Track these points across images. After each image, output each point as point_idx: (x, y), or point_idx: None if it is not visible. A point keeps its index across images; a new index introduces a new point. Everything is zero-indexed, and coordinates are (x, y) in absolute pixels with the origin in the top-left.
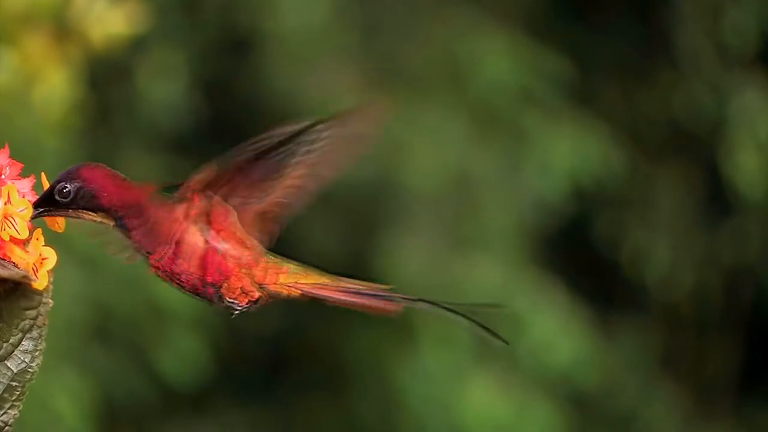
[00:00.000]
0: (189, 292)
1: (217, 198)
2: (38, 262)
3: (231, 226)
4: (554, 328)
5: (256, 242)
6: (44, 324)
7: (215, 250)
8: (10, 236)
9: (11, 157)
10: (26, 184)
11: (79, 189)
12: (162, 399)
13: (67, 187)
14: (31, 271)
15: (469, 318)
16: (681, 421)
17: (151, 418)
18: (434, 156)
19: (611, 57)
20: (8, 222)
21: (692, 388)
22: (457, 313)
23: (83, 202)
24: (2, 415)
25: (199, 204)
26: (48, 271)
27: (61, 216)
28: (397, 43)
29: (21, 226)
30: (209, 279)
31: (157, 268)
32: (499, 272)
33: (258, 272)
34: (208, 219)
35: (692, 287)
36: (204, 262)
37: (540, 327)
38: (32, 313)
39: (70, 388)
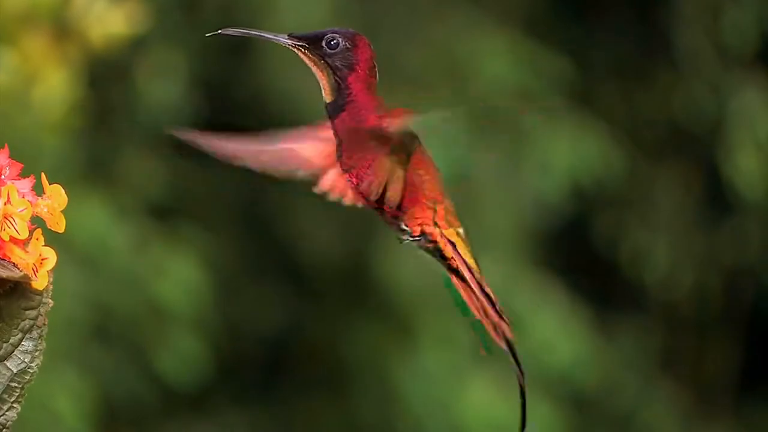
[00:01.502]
0: (374, 208)
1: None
2: (38, 262)
3: (428, 161)
4: (554, 328)
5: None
6: (44, 324)
7: (413, 177)
8: (10, 236)
9: (11, 157)
10: (26, 184)
11: (346, 48)
12: (162, 399)
13: (336, 39)
14: (31, 271)
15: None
16: (681, 421)
17: (151, 418)
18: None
19: (611, 57)
20: (8, 222)
21: (692, 388)
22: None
23: (340, 60)
24: (1, 416)
25: (405, 134)
26: (48, 271)
27: (310, 61)
28: (397, 43)
29: (21, 227)
30: (400, 204)
31: (350, 175)
32: (498, 272)
33: (440, 210)
34: (409, 148)
35: (692, 287)
36: (399, 186)
37: (540, 327)
38: (32, 313)
39: (70, 388)
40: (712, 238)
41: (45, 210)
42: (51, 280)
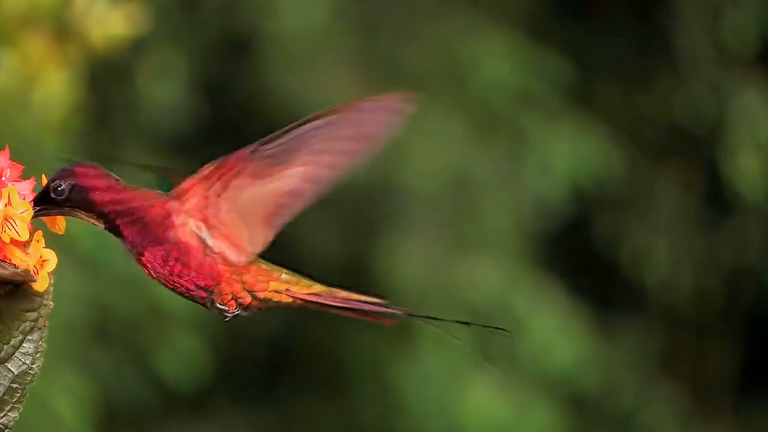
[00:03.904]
0: (181, 294)
1: (211, 197)
2: (38, 263)
3: (224, 227)
4: (554, 329)
5: (248, 246)
6: (44, 326)
7: (207, 254)
8: (11, 238)
9: (11, 158)
10: (26, 185)
11: (73, 186)
12: (162, 400)
13: (61, 185)
14: (32, 273)
15: (467, 324)
16: (681, 422)
17: (150, 419)
18: (434, 156)
19: (611, 58)
20: (8, 224)
21: (692, 388)
22: (457, 322)
23: (77, 200)
24: (2, 417)
25: (192, 204)
26: (48, 273)
27: (58, 214)
28: (397, 44)
29: (21, 228)
30: (201, 283)
31: (149, 269)
32: (498, 273)
33: (249, 278)
34: (200, 219)
35: (692, 288)
36: (196, 265)
37: (540, 328)
38: (32, 315)
39: (70, 390)
40: (712, 238)
41: None
42: (51, 281)
